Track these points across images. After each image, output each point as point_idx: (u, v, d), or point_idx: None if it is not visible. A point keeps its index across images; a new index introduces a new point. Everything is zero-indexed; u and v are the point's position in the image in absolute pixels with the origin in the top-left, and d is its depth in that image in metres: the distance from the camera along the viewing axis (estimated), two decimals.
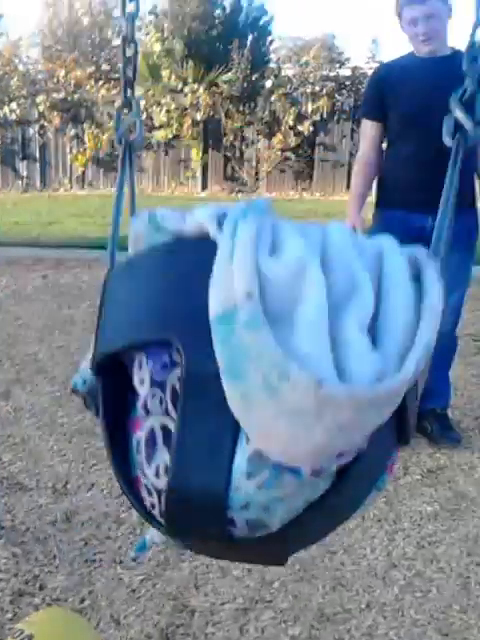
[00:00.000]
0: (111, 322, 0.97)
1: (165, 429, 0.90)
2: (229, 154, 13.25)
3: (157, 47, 13.98)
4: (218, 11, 14.40)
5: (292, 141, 12.70)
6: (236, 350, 0.80)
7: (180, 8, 14.08)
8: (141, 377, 0.94)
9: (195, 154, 13.47)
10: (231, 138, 13.10)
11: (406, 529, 2.49)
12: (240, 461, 0.84)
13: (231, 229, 0.85)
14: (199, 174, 13.62)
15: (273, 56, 14.90)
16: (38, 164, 14.01)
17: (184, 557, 2.27)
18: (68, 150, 13.85)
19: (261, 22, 14.40)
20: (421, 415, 3.20)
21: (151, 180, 14.10)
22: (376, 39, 14.02)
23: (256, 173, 13.21)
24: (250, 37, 13.77)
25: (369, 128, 3.12)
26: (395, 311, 0.86)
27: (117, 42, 15.40)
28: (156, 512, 0.93)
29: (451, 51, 2.90)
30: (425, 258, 0.93)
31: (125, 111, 1.26)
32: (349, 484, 0.88)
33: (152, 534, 1.07)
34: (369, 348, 0.82)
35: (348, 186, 12.83)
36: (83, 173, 13.94)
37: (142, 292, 0.94)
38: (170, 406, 0.90)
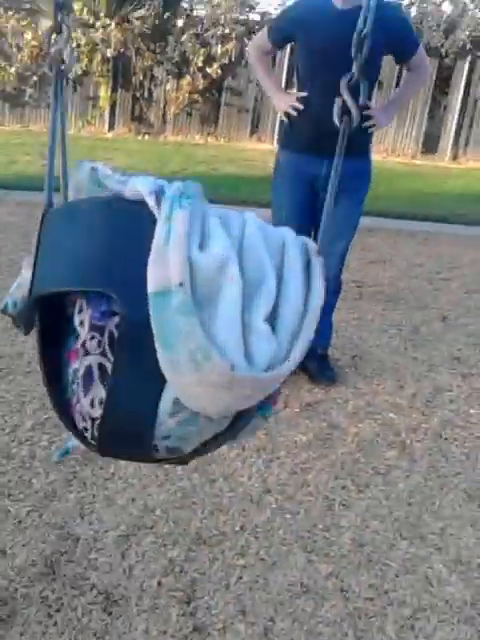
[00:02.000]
0: (52, 263, 1.08)
1: (102, 368, 1.05)
2: (138, 94, 12.87)
3: None
4: None
5: (200, 83, 12.44)
6: (168, 325, 0.97)
7: None
8: (81, 319, 1.08)
9: (104, 92, 13.00)
10: (140, 77, 12.71)
11: (281, 457, 2.62)
12: (166, 401, 1.02)
13: (168, 211, 1.00)
14: (107, 113, 13.19)
15: None
16: None
17: (71, 488, 2.33)
18: None
19: None
20: None
21: None
22: None
23: (163, 115, 12.91)
24: None
25: (264, 40, 3.05)
26: (290, 303, 1.07)
27: None
28: (88, 435, 1.09)
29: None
30: (314, 252, 1.14)
31: (55, 36, 1.23)
32: (243, 419, 1.12)
33: (74, 443, 1.22)
34: (270, 335, 1.03)
35: (251, 132, 12.78)
36: None
37: (85, 242, 1.05)
38: (107, 348, 1.04)
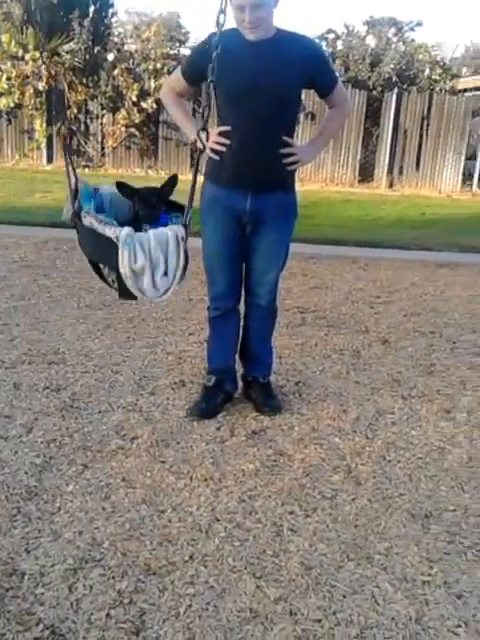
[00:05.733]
0: (84, 245, 2.91)
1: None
2: (74, 127, 12.92)
3: None
4: None
5: (136, 117, 12.56)
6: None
7: None
8: None
9: (39, 125, 13.01)
10: (75, 111, 12.78)
11: (229, 486, 2.66)
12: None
13: (121, 246, 2.58)
14: (44, 146, 13.18)
15: (116, 30, 14.59)
16: None
17: (16, 524, 2.32)
18: None
19: None
20: (247, 383, 3.40)
21: None
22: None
23: (102, 148, 12.98)
24: (91, 8, 13.40)
25: (176, 78, 3.08)
26: (172, 265, 2.67)
27: None
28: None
29: (275, 31, 2.87)
30: (180, 236, 2.67)
31: None
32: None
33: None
34: (165, 279, 2.69)
35: (191, 165, 12.94)
36: None
37: (93, 243, 2.80)
38: None
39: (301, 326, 4.61)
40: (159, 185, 2.97)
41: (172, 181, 2.95)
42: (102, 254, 2.75)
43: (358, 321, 4.83)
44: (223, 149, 2.92)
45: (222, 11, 2.64)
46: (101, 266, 2.84)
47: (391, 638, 1.96)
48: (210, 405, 3.25)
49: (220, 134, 2.93)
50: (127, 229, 2.59)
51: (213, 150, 2.93)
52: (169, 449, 2.89)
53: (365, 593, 2.14)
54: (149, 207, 2.85)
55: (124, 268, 2.58)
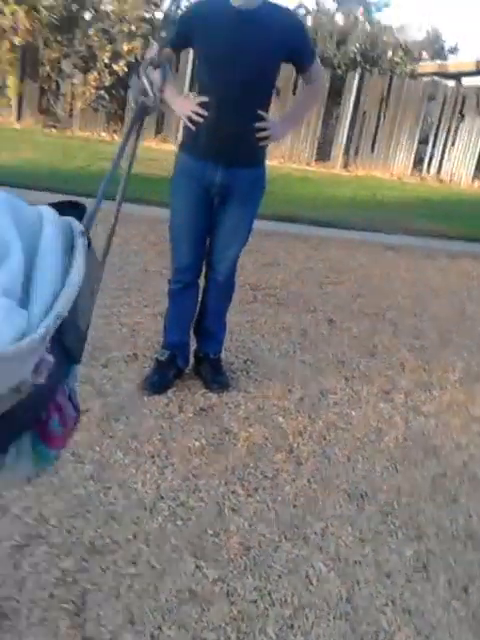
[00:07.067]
0: None
1: None
2: (45, 86, 12.41)
3: None
4: None
5: (107, 80, 12.10)
6: None
7: None
8: None
9: (11, 82, 12.45)
10: (48, 69, 12.24)
11: (175, 463, 2.60)
12: None
13: None
14: (14, 103, 12.64)
15: None
16: None
17: None
18: None
19: None
20: (198, 359, 3.33)
21: None
22: None
23: (71, 109, 12.51)
24: None
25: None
26: (44, 281, 0.99)
27: None
28: None
29: (260, 2, 2.74)
30: (78, 234, 1.09)
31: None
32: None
33: None
34: (11, 310, 0.92)
35: (157, 132, 12.56)
36: None
37: None
38: None
39: (252, 303, 4.54)
40: None
41: None
42: None
43: (307, 300, 4.78)
44: (200, 120, 2.81)
45: None
46: None
47: (322, 618, 1.95)
48: (162, 380, 3.17)
49: (199, 105, 2.81)
50: None
51: (190, 120, 2.82)
52: (119, 423, 2.81)
53: (300, 573, 2.12)
54: None
55: None
